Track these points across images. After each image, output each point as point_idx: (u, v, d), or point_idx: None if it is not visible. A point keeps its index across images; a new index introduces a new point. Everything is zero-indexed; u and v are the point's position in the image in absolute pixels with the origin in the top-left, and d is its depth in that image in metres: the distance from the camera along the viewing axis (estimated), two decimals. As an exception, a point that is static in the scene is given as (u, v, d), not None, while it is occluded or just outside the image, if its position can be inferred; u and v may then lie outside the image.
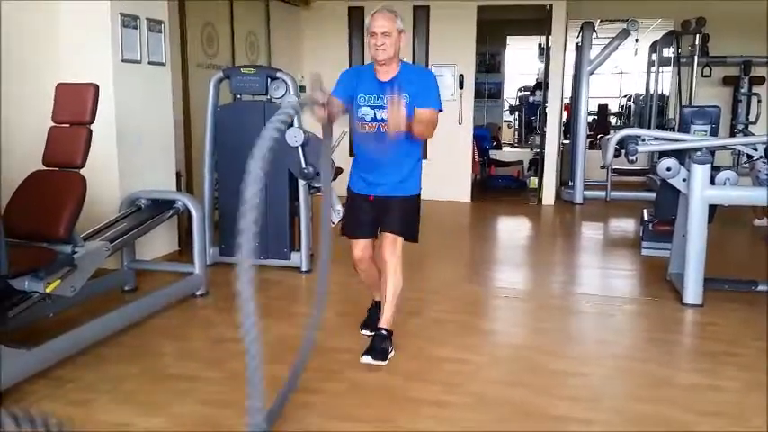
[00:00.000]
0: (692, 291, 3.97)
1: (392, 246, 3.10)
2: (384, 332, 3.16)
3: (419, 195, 3.20)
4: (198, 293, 4.07)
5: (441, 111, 3.03)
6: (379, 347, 3.11)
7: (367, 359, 3.07)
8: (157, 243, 4.76)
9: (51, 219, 3.12)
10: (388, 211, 3.12)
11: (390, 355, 3.14)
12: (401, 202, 3.12)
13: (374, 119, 3.01)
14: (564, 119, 9.31)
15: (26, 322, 3.18)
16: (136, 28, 4.50)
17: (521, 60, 13.71)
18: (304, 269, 4.67)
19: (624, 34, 7.84)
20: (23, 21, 4.09)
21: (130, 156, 4.51)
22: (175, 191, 4.95)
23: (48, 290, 2.96)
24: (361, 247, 3.21)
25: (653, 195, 6.26)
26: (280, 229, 4.69)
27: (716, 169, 4.06)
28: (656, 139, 4.63)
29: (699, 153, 3.93)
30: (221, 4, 6.52)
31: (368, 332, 3.35)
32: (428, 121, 2.95)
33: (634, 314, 4.06)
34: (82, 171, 3.26)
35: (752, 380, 2.96)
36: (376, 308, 3.41)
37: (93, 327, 3.19)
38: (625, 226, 6.93)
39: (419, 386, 2.88)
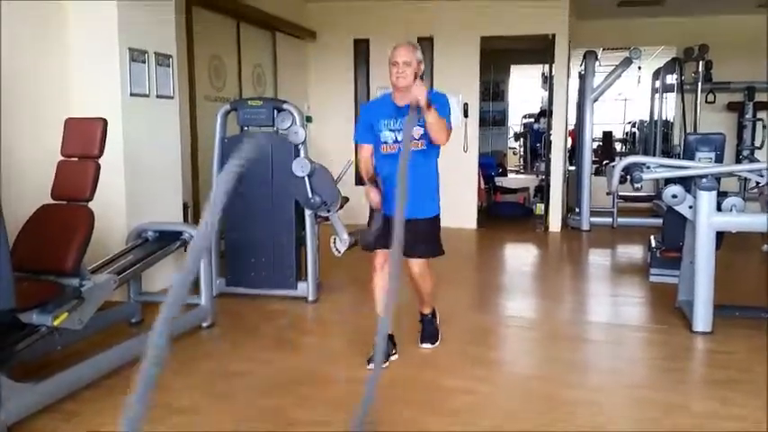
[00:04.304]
0: (702, 318, 3.93)
1: (419, 268, 3.39)
2: (430, 316, 3.67)
3: (438, 216, 3.47)
4: (204, 325, 4.06)
5: (450, 129, 3.26)
6: (431, 331, 3.66)
7: (427, 345, 3.62)
8: (164, 275, 4.76)
9: (59, 252, 3.13)
10: (410, 234, 2.95)
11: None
12: (422, 224, 3.31)
13: (395, 140, 3.31)
14: (569, 145, 9.32)
15: (34, 356, 3.16)
16: (144, 62, 4.57)
17: (525, 88, 13.79)
18: (311, 299, 4.66)
19: (627, 62, 7.87)
20: (34, 56, 4.16)
21: (138, 188, 4.53)
22: (182, 222, 4.97)
23: (55, 323, 2.96)
24: (381, 257, 3.38)
25: (660, 221, 6.25)
26: (286, 258, 4.69)
27: (723, 195, 4.05)
28: (661, 166, 4.63)
29: (704, 180, 3.93)
30: (229, 38, 6.62)
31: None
32: (442, 122, 3.15)
33: (644, 342, 4.02)
34: (90, 204, 3.28)
35: (765, 407, 2.91)
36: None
37: (100, 360, 3.19)
38: (632, 252, 6.89)
39: (430, 419, 2.84)
